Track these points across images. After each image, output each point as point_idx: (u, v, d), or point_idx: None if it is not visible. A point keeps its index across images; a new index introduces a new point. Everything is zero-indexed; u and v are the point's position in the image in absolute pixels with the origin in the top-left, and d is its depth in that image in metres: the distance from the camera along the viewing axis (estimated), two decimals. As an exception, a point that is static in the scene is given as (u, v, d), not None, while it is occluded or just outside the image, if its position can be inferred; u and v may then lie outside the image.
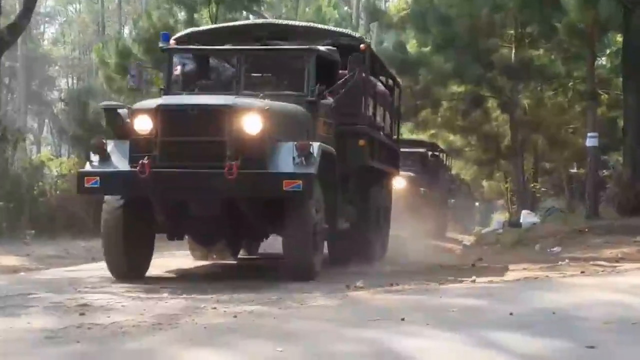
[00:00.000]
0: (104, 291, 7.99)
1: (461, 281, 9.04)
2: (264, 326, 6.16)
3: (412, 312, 6.59)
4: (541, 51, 22.80)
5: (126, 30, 43.93)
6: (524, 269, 10.69)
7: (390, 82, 13.72)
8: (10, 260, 11.59)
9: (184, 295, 7.73)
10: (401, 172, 15.93)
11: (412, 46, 23.77)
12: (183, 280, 9.31)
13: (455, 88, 23.66)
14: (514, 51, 21.99)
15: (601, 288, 8.01)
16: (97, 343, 5.51)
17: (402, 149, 17.01)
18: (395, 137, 14.12)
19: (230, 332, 5.87)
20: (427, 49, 22.63)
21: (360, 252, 11.38)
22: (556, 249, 13.26)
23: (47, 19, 57.56)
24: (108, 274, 9.36)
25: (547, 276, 9.20)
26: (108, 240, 9.01)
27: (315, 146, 8.72)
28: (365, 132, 10.74)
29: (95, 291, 7.96)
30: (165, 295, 7.76)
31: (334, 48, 10.42)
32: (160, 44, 10.64)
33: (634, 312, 6.47)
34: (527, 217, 19.79)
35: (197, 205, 9.00)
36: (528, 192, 24.24)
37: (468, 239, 20.94)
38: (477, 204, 31.92)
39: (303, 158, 8.54)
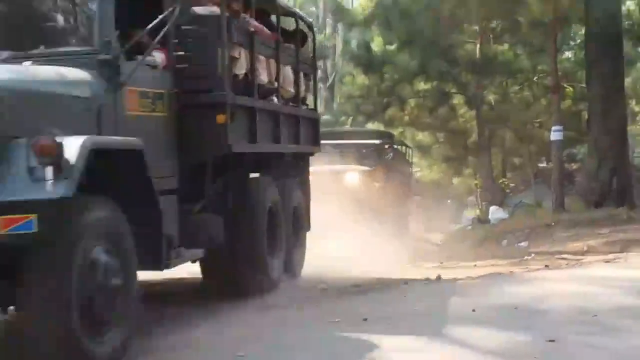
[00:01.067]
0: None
1: (427, 279, 9.03)
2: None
3: (375, 312, 6.58)
4: (506, 46, 22.90)
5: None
6: (491, 264, 10.73)
7: (302, 30, 9.99)
8: None
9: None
10: (354, 167, 16.53)
11: (377, 44, 23.78)
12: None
13: (422, 85, 23.70)
14: (478, 46, 22.06)
15: (564, 281, 8.05)
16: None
17: (355, 141, 17.97)
18: (304, 98, 10.02)
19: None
20: (392, 46, 22.66)
21: (243, 279, 7.67)
22: (523, 243, 13.31)
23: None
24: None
25: (511, 271, 9.23)
26: None
27: (72, 144, 4.82)
28: (226, 102, 7.05)
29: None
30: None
31: None
32: None
33: (594, 304, 6.50)
34: (495, 213, 19.89)
35: None
36: (497, 187, 24.33)
37: (438, 238, 20.99)
38: (448, 201, 31.98)
39: (47, 168, 4.70)
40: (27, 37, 6.24)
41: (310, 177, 10.97)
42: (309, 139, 9.87)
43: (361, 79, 24.24)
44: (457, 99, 24.38)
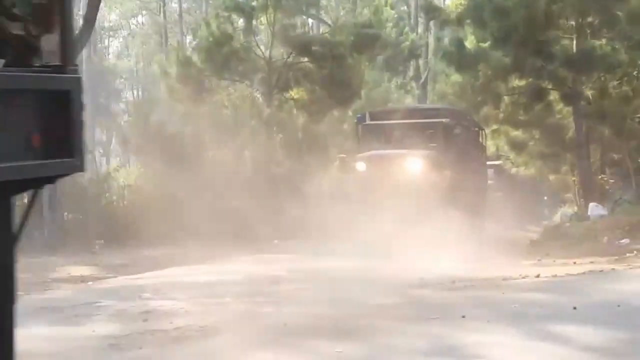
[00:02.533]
0: (168, 297, 8.10)
1: (525, 276, 8.92)
2: (325, 327, 6.17)
3: (473, 309, 6.55)
4: (603, 41, 22.34)
5: (187, 40, 44.54)
6: (591, 262, 10.50)
7: None
8: (79, 270, 11.82)
9: (246, 299, 7.78)
10: (415, 151, 14.21)
11: (470, 42, 23.51)
12: (247, 285, 9.36)
13: (516, 82, 23.33)
14: (574, 42, 21.59)
15: (668, 278, 7.84)
16: (160, 348, 5.60)
17: (415, 120, 15.72)
18: None
19: (290, 334, 5.89)
20: (486, 44, 22.37)
21: None
22: (624, 240, 12.99)
23: (111, 32, 58.68)
24: (172, 280, 9.50)
25: (613, 269, 9.02)
26: None
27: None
28: None
29: (159, 297, 8.07)
30: (227, 299, 7.83)
31: None
32: None
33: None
34: (594, 210, 19.41)
35: None
36: (595, 184, 23.77)
37: (534, 235, 20.64)
38: (545, 198, 31.45)
39: None
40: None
41: (362, 164, 13.89)
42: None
43: (454, 77, 24.02)
44: (553, 95, 23.89)
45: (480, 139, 20.00)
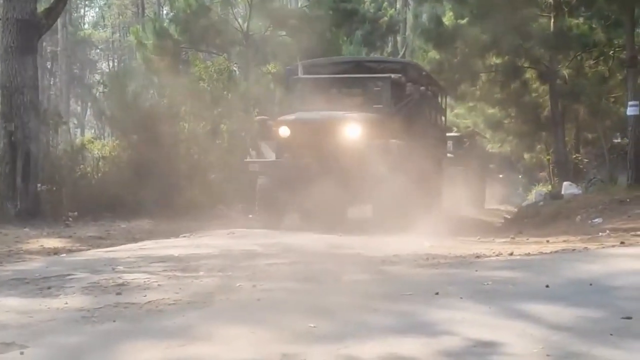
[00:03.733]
0: (141, 270, 8.07)
1: (498, 254, 8.98)
2: (299, 302, 6.18)
3: (446, 286, 6.58)
4: (580, 20, 22.44)
5: (164, 11, 44.15)
6: (564, 240, 10.58)
7: None
8: (53, 242, 11.75)
9: (220, 274, 7.77)
10: (355, 114, 13.06)
11: (448, 18, 23.54)
12: (221, 259, 9.37)
13: (494, 60, 23.40)
14: (552, 20, 21.66)
15: (640, 258, 7.91)
16: (133, 321, 5.57)
17: (359, 75, 13.99)
18: None
19: (264, 309, 5.89)
20: (464, 20, 22.41)
21: None
22: (597, 220, 13.10)
23: (86, 2, 58.04)
24: (146, 253, 9.46)
25: (585, 248, 9.10)
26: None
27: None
28: None
29: (133, 271, 8.03)
30: (201, 273, 7.81)
31: None
32: None
33: (672, 282, 6.38)
34: (568, 189, 19.58)
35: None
36: (570, 163, 23.95)
37: (508, 212, 20.78)
38: (519, 176, 31.67)
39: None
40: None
41: (285, 128, 12.71)
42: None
43: (432, 53, 24.06)
44: (530, 74, 24.01)
45: (440, 101, 17.50)
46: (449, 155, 20.44)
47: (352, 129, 12.28)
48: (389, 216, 11.95)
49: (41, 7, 16.62)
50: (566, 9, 21.95)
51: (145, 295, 6.49)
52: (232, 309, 5.94)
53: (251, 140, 15.07)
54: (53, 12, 16.38)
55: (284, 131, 12.72)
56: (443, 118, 17.95)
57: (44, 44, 38.31)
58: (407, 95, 13.40)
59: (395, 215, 11.85)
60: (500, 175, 29.13)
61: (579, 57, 23.41)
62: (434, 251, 9.35)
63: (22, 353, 4.78)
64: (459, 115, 27.92)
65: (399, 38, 38.52)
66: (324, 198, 11.72)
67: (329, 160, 12.02)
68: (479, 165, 24.89)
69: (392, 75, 13.42)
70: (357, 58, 18.04)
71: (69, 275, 7.87)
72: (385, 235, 11.18)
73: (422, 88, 14.21)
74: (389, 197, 11.62)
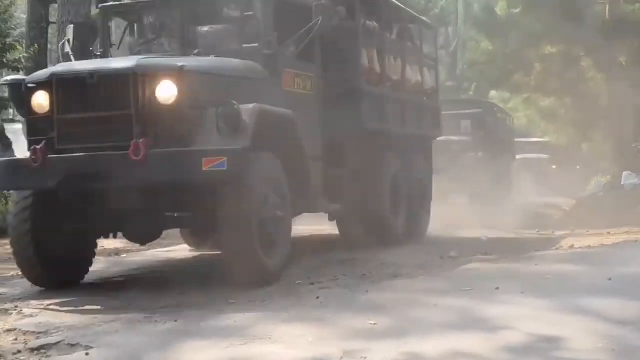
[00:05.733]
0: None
1: (558, 248, 8.87)
2: (356, 300, 6.17)
3: (507, 281, 6.52)
4: (637, 6, 22.00)
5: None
6: (625, 232, 10.43)
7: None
8: (113, 243, 11.84)
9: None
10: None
11: (500, 8, 23.28)
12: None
13: (548, 49, 23.08)
14: (607, 7, 21.29)
15: None
16: (195, 321, 5.63)
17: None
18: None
19: (323, 307, 5.90)
20: (517, 10, 22.13)
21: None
22: (659, 209, 12.87)
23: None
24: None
25: (648, 239, 8.95)
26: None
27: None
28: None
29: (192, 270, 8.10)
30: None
31: None
32: None
33: None
34: (628, 178, 19.22)
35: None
36: (629, 152, 23.51)
37: (567, 204, 20.49)
38: (578, 167, 31.12)
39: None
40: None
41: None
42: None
43: (485, 44, 23.80)
44: (586, 62, 23.62)
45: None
46: (464, 138, 18.38)
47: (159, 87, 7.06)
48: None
49: (95, 11, 16.82)
50: (622, -5, 21.57)
51: (205, 295, 6.55)
52: (290, 307, 5.96)
53: None
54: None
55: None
56: (511, 134, 20.70)
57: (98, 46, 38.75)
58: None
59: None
60: (554, 167, 28.54)
61: (636, 45, 22.96)
62: (492, 245, 9.28)
63: (87, 354, 4.87)
64: (512, 108, 27.62)
65: (450, 30, 38.27)
66: None
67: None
68: (503, 150, 20.91)
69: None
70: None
71: (129, 275, 7.99)
72: (439, 229, 11.15)
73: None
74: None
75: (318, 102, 8.57)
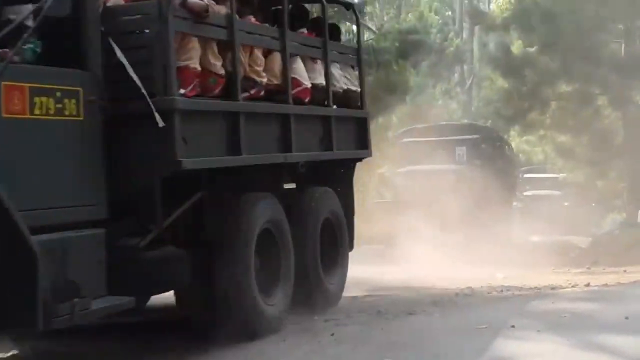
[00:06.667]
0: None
1: (575, 285, 8.83)
2: (374, 336, 6.17)
3: (522, 319, 6.49)
4: (653, 44, 22.07)
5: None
6: (642, 270, 10.38)
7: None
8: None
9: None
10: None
11: (516, 47, 23.38)
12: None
13: (564, 87, 23.12)
14: (623, 46, 21.36)
15: None
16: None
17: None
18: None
19: (341, 343, 5.88)
20: (533, 48, 22.22)
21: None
22: (676, 248, 12.79)
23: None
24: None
25: (665, 278, 8.90)
26: None
27: None
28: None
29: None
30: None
31: None
32: None
33: None
34: (645, 217, 19.16)
35: None
36: (645, 190, 23.41)
37: (583, 242, 20.39)
38: (593, 204, 30.96)
39: None
40: None
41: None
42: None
43: (500, 82, 23.87)
44: (602, 100, 23.64)
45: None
46: (459, 166, 16.92)
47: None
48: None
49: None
50: (637, 35, 21.62)
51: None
52: (306, 343, 5.95)
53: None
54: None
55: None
56: (512, 165, 20.44)
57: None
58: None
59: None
60: (566, 204, 28.28)
61: (652, 83, 22.98)
62: (508, 282, 9.25)
63: None
64: (528, 142, 27.59)
65: (465, 68, 38.41)
66: None
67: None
68: (504, 181, 18.36)
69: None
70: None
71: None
72: (455, 266, 11.13)
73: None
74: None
75: (94, 133, 5.15)
